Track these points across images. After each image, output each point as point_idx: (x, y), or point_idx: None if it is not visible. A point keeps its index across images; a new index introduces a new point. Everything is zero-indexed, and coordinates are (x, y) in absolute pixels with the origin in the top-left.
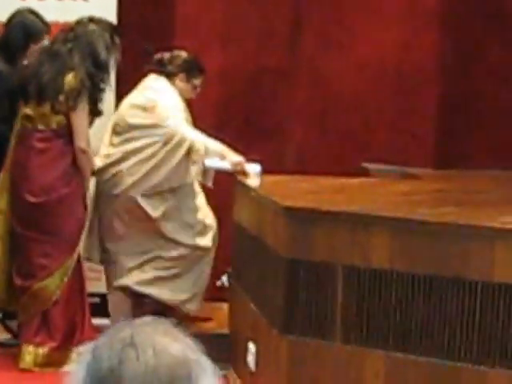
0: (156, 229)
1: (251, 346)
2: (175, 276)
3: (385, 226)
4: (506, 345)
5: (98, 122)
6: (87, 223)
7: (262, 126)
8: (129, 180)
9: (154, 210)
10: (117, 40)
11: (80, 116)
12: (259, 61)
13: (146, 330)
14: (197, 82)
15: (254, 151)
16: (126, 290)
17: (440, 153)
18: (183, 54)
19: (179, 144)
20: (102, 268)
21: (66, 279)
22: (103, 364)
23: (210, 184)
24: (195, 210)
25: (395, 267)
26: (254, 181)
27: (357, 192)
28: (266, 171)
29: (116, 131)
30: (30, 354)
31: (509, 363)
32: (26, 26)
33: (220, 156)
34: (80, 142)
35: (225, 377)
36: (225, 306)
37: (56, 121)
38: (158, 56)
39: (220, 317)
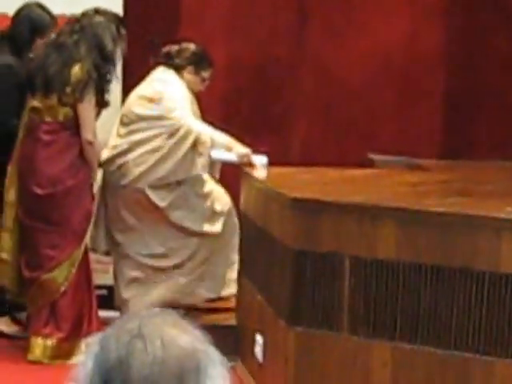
0: (165, 218)
1: (259, 338)
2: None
3: (391, 217)
4: None
5: (104, 113)
6: (94, 214)
7: (268, 118)
8: (135, 171)
9: (161, 200)
10: (123, 31)
11: (87, 108)
12: (265, 53)
13: (154, 321)
14: (205, 74)
15: (261, 143)
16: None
17: (446, 143)
18: (192, 47)
19: (185, 136)
20: (109, 260)
21: (73, 270)
22: (111, 355)
23: (216, 176)
24: (203, 197)
25: (402, 258)
26: (260, 172)
27: (363, 183)
28: (272, 163)
29: (123, 122)
30: (39, 345)
31: None
32: (32, 20)
33: (226, 148)
34: (87, 134)
35: (232, 368)
36: None
37: (63, 113)
38: (165, 49)
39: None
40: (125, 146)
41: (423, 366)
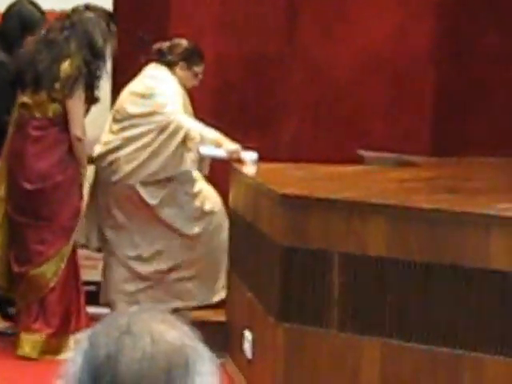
0: (155, 217)
1: (248, 334)
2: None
3: (381, 214)
4: (503, 332)
5: (94, 109)
6: (85, 210)
7: (258, 114)
8: (126, 168)
9: (151, 197)
10: (113, 28)
11: (76, 104)
12: (255, 49)
13: (143, 317)
14: (198, 69)
15: (250, 139)
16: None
17: (435, 140)
18: (183, 43)
19: (175, 132)
20: (97, 256)
21: (62, 266)
22: (100, 351)
23: (205, 172)
24: (192, 195)
25: (391, 254)
26: (250, 168)
27: (352, 180)
28: (261, 159)
29: (116, 119)
30: (28, 341)
31: (506, 350)
32: (22, 16)
33: (216, 144)
34: (76, 130)
35: (221, 364)
36: None
37: (52, 109)
38: (157, 46)
39: None
40: (117, 143)
41: (412, 363)
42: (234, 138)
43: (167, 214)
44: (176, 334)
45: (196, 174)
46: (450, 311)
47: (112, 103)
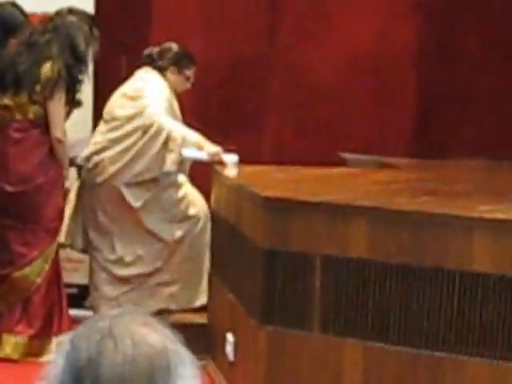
0: (138, 220)
1: (230, 337)
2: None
3: (363, 216)
4: (484, 334)
5: (76, 112)
6: (72, 210)
7: (239, 116)
8: (111, 169)
9: (135, 199)
10: (96, 32)
11: (56, 106)
12: (236, 51)
13: (125, 320)
14: (189, 72)
15: (232, 141)
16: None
17: (417, 142)
18: (173, 47)
19: (157, 133)
20: (79, 258)
21: (46, 267)
22: (82, 354)
23: (185, 175)
24: (177, 201)
25: (373, 257)
26: (231, 171)
27: (334, 182)
28: (243, 161)
29: (105, 119)
30: (10, 342)
31: (487, 352)
32: (4, 20)
33: (197, 146)
34: (56, 132)
35: (203, 367)
36: None
37: (33, 111)
38: (147, 51)
39: None
40: (103, 144)
41: (394, 365)
42: (215, 141)
43: (150, 218)
44: (157, 337)
45: (181, 179)
46: (431, 313)
47: (94, 106)
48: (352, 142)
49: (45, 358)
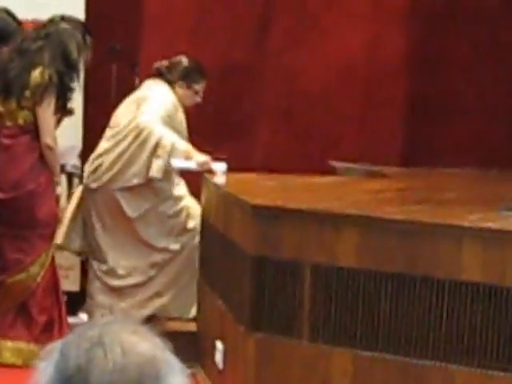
0: (133, 230)
1: (219, 344)
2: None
3: (352, 225)
4: (474, 343)
5: (66, 119)
6: (72, 212)
7: (230, 124)
8: (107, 175)
9: (132, 210)
10: (88, 39)
11: (46, 112)
12: (227, 58)
13: (114, 328)
14: (198, 87)
15: (222, 149)
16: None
17: (408, 150)
18: (183, 61)
19: (147, 139)
20: (69, 265)
21: (42, 273)
22: (71, 362)
23: (170, 182)
24: (175, 213)
25: (363, 265)
26: (220, 179)
27: (324, 190)
28: (233, 169)
29: (109, 125)
30: (7, 347)
31: (476, 361)
32: None
33: (186, 155)
34: (46, 138)
35: (193, 375)
36: None
37: (22, 116)
38: (156, 65)
39: None
40: (102, 149)
41: (383, 374)
42: (205, 149)
43: (147, 230)
44: (147, 346)
45: (182, 191)
46: (421, 322)
47: (84, 114)
48: (342, 150)
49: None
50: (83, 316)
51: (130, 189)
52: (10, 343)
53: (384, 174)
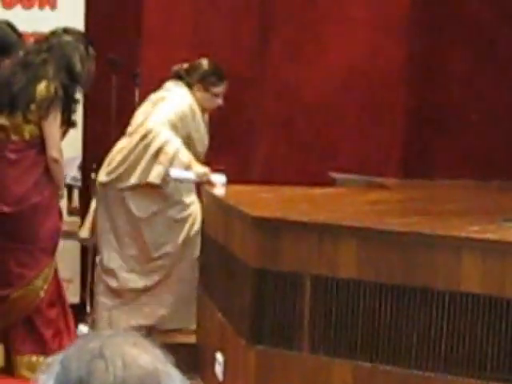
0: (137, 234)
1: (219, 356)
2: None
3: (352, 236)
4: (474, 354)
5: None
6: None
7: (229, 135)
8: (117, 171)
9: (138, 209)
10: (91, 51)
11: (52, 125)
12: (226, 69)
13: (116, 341)
14: (216, 90)
15: (221, 161)
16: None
17: (407, 162)
18: (203, 64)
19: (151, 142)
20: (69, 278)
21: (45, 287)
22: (72, 375)
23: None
24: (182, 220)
25: (363, 277)
26: (219, 191)
27: (324, 202)
28: (232, 181)
29: (130, 124)
30: (23, 363)
31: (476, 372)
32: None
33: (186, 167)
34: (52, 151)
35: None
36: None
37: (28, 130)
38: (175, 68)
39: None
40: (119, 146)
41: None
42: (204, 160)
43: (151, 233)
44: (148, 358)
45: (192, 197)
46: (420, 333)
47: (84, 125)
48: (341, 161)
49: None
50: (84, 328)
51: (138, 189)
52: (24, 358)
53: (384, 185)
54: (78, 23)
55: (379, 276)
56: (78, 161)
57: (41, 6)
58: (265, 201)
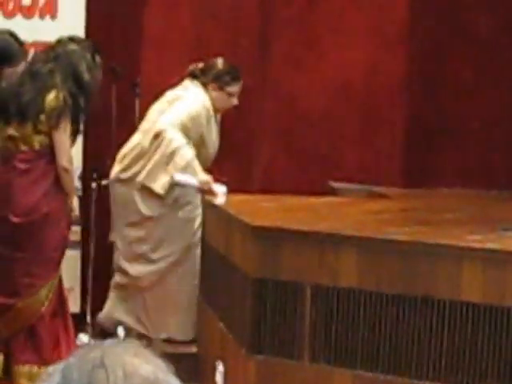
0: (141, 235)
1: (219, 366)
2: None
3: (353, 245)
4: (474, 363)
5: None
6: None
7: (229, 145)
8: (130, 171)
9: (146, 208)
10: (98, 59)
11: (62, 135)
12: None
13: (116, 350)
14: (231, 89)
15: (221, 170)
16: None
17: (407, 172)
18: (218, 63)
19: (162, 144)
20: (69, 287)
21: (50, 296)
22: None
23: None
24: (189, 220)
25: (363, 286)
26: (220, 200)
27: (324, 211)
28: (233, 190)
29: (146, 118)
30: (23, 373)
31: (477, 382)
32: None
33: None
34: (62, 161)
35: None
36: None
37: (38, 141)
38: (191, 67)
39: None
40: (133, 142)
41: None
42: (206, 167)
43: (157, 233)
44: (149, 368)
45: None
46: (421, 343)
47: (84, 135)
48: (342, 171)
49: None
50: (84, 337)
51: (148, 189)
52: (24, 368)
53: (384, 194)
54: (79, 32)
55: (380, 285)
56: (79, 171)
57: (41, 16)
58: (265, 210)
